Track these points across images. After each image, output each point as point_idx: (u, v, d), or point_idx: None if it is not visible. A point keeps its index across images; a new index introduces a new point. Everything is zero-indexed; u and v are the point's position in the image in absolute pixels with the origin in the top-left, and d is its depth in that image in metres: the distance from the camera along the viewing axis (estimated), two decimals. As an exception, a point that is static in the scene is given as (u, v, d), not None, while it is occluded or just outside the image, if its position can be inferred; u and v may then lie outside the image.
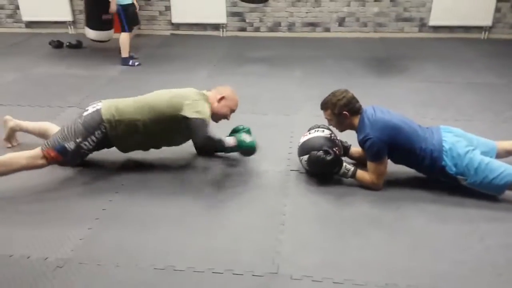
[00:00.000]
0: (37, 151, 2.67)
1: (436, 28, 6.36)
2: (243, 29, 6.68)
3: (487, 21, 6.20)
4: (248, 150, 2.88)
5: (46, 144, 2.69)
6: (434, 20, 6.29)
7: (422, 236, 2.33)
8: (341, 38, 6.44)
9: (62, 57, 5.63)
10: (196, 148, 3.10)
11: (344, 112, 2.67)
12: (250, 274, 2.06)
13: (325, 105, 2.75)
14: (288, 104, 4.09)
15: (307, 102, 4.07)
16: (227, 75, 4.90)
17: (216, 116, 2.89)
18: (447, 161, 2.55)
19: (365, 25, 6.48)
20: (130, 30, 5.21)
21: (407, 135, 2.61)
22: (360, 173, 2.69)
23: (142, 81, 4.69)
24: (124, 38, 5.17)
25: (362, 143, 2.65)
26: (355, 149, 2.96)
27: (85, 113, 2.74)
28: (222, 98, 2.86)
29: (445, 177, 2.61)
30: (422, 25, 6.39)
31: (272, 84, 4.62)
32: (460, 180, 2.56)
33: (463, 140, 2.63)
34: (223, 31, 6.68)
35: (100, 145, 2.80)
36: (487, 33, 6.29)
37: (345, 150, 2.97)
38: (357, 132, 2.71)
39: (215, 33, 6.71)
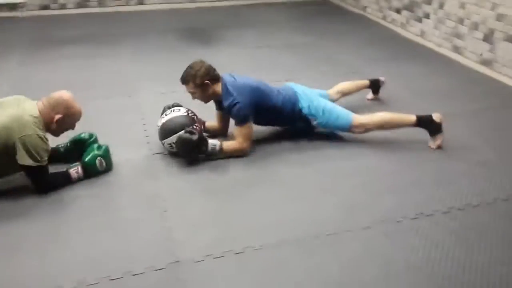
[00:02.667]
0: None
1: (245, -5, 6.69)
2: (46, 7, 5.96)
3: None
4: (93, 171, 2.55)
5: None
6: (242, -13, 6.60)
7: (293, 185, 2.55)
8: (157, 10, 6.29)
9: None
10: None
11: (206, 81, 2.69)
12: (152, 270, 1.97)
13: (185, 79, 2.73)
14: (127, 84, 3.88)
15: (145, 81, 3.94)
16: (44, 62, 4.36)
17: (58, 133, 2.48)
18: (302, 103, 2.87)
19: (177, -5, 6.43)
20: None
21: (267, 94, 2.80)
22: (226, 144, 2.75)
23: None
24: None
25: (229, 108, 2.72)
26: (209, 123, 3.00)
27: None
28: (58, 121, 2.36)
29: (301, 119, 2.90)
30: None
31: (102, 65, 4.30)
32: (311, 120, 2.90)
33: (308, 90, 3.01)
34: (21, 11, 5.84)
35: None
36: (288, -4, 6.90)
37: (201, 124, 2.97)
38: (221, 99, 2.76)
39: (12, 13, 5.83)
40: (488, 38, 4.14)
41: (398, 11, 5.43)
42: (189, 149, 2.63)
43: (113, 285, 1.89)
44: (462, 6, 4.41)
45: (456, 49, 4.56)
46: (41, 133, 2.31)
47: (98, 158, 2.54)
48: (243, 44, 4.96)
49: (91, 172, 2.53)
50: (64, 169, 2.50)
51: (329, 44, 4.97)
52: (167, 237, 2.17)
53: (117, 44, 4.87)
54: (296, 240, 2.15)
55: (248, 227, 2.24)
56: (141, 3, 6.30)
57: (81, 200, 2.41)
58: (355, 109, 3.07)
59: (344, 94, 3.33)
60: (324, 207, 2.38)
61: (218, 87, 2.75)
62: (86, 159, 2.51)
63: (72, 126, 2.49)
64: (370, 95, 3.60)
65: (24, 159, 2.26)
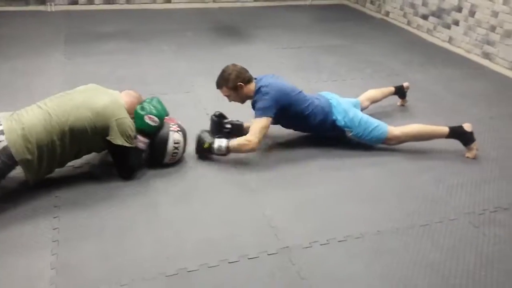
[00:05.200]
0: None
1: (268, -3, 6.80)
2: (74, 2, 5.94)
3: (310, -11, 6.92)
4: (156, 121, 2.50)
5: None
6: (266, -11, 6.71)
7: (372, 183, 2.66)
8: (183, 8, 6.33)
9: None
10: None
11: (239, 83, 2.76)
12: (266, 254, 2.06)
13: (219, 84, 2.82)
14: (180, 80, 3.94)
15: (198, 77, 4.00)
16: (89, 55, 4.38)
17: None
18: (337, 115, 2.90)
19: (204, -5, 6.50)
20: None
21: (295, 99, 2.79)
22: (233, 142, 2.70)
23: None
24: None
25: (255, 102, 2.77)
26: (248, 124, 2.90)
27: None
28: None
29: (335, 130, 2.93)
30: (256, -6, 6.74)
31: (147, 61, 4.34)
32: (347, 132, 2.93)
33: (342, 100, 3.02)
34: (50, 5, 5.82)
35: None
36: (309, 0, 7.03)
37: (238, 127, 2.95)
38: (253, 98, 2.81)
39: (40, 7, 5.80)
40: (521, 45, 4.35)
41: (424, 17, 5.61)
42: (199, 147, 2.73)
43: (232, 267, 1.98)
44: (495, 14, 4.60)
45: (486, 55, 4.75)
46: (130, 119, 2.42)
47: (146, 116, 2.47)
48: (281, 44, 5.06)
49: (150, 132, 2.50)
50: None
51: (363, 47, 5.11)
52: (268, 224, 2.25)
53: (156, 40, 4.92)
54: (393, 229, 2.26)
55: (341, 218, 2.34)
56: (168, 1, 6.34)
57: (169, 186, 2.50)
58: (394, 114, 3.20)
59: (373, 101, 3.35)
60: (408, 202, 2.50)
61: (251, 87, 2.81)
62: (137, 125, 2.47)
63: None
64: (399, 101, 3.67)
65: (119, 140, 2.35)
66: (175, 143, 2.56)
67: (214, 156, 2.77)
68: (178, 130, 2.60)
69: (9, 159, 2.15)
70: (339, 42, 5.26)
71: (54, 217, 2.23)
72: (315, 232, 2.22)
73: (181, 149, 2.62)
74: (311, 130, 3.00)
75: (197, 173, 2.65)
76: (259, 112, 2.72)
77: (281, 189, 2.55)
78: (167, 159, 2.61)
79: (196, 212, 2.33)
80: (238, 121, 2.97)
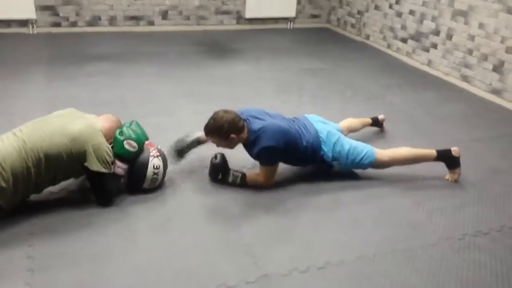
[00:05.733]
0: None
1: (251, 20, 6.88)
2: (57, 24, 5.94)
3: (292, 13, 7.03)
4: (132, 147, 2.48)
5: None
6: (249, 12, 6.79)
7: (353, 210, 2.67)
8: (167, 31, 6.39)
9: None
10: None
11: (232, 135, 2.61)
12: (244, 283, 2.03)
13: (209, 132, 2.65)
14: (162, 103, 3.93)
15: (179, 99, 4.01)
16: (71, 77, 4.37)
17: None
18: (325, 150, 2.84)
19: (188, 18, 6.55)
20: None
21: (294, 136, 2.73)
22: (249, 175, 2.74)
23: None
24: None
25: (257, 155, 2.68)
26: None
27: None
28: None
29: (322, 164, 2.89)
30: (239, 17, 6.82)
31: (129, 83, 4.34)
32: (335, 164, 2.90)
33: (330, 127, 2.96)
34: (32, 27, 5.81)
35: None
36: (292, 23, 7.14)
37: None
38: (247, 146, 2.73)
39: (23, 30, 5.79)
40: (497, 68, 4.45)
41: (404, 40, 5.73)
42: (209, 170, 2.76)
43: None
44: (471, 38, 4.73)
45: (465, 78, 4.86)
46: (107, 144, 2.41)
47: (124, 142, 2.44)
48: (263, 66, 5.11)
49: (129, 157, 2.48)
50: None
51: (344, 70, 5.18)
52: (248, 252, 2.23)
53: (138, 63, 4.93)
54: (372, 255, 2.26)
55: (321, 244, 2.33)
56: (151, 24, 6.37)
57: (148, 213, 2.46)
58: (374, 138, 3.24)
59: (351, 131, 3.30)
60: (388, 227, 2.51)
61: (245, 134, 2.67)
62: (115, 150, 2.45)
63: None
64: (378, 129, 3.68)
65: (95, 165, 2.33)
66: (154, 168, 2.54)
67: (195, 182, 2.76)
68: (158, 155, 2.59)
69: None
70: (321, 64, 5.34)
71: (29, 246, 2.18)
72: (294, 259, 2.21)
73: (160, 174, 2.60)
74: (298, 164, 2.94)
75: (176, 199, 2.62)
76: (267, 163, 2.70)
77: (261, 215, 2.53)
78: (146, 185, 2.58)
79: (175, 239, 2.29)
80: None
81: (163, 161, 2.61)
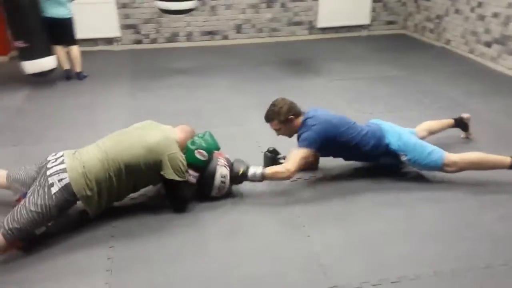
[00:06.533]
0: None
1: (324, 30, 6.85)
2: (138, 42, 6.33)
3: (366, 20, 6.90)
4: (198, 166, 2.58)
5: (7, 226, 2.16)
6: (321, 22, 6.77)
7: (429, 220, 2.53)
8: (241, 44, 6.54)
9: None
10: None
11: (290, 116, 2.76)
12: (312, 293, 2.00)
13: (270, 117, 2.81)
14: (234, 114, 4.02)
15: (251, 110, 4.07)
16: (150, 90, 4.62)
17: None
18: (390, 139, 2.80)
19: (261, 30, 6.66)
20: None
21: (345, 129, 2.75)
22: (268, 169, 2.66)
23: (56, 107, 4.16)
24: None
25: (300, 135, 2.75)
26: None
27: (54, 190, 2.25)
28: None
29: (388, 155, 2.82)
30: (311, 27, 6.82)
31: (204, 95, 4.49)
32: (401, 156, 2.79)
33: (395, 126, 2.93)
34: (117, 44, 6.24)
35: None
36: (366, 30, 7.00)
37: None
38: (299, 131, 2.78)
39: (108, 47, 6.24)
40: None
41: (488, 44, 5.38)
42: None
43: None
44: None
45: (559, 83, 4.45)
46: (182, 153, 2.51)
47: (195, 151, 2.54)
48: (335, 76, 5.05)
49: (199, 166, 2.56)
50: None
51: (422, 77, 4.97)
52: (316, 262, 2.20)
53: (213, 75, 5.09)
54: (451, 270, 2.13)
55: (394, 257, 2.24)
56: (226, 38, 6.57)
57: (217, 220, 2.52)
58: (454, 146, 3.07)
59: (431, 132, 3.19)
60: (467, 241, 2.35)
61: (300, 121, 2.80)
62: (187, 159, 2.53)
63: None
64: (462, 134, 3.47)
65: (170, 174, 2.44)
66: (222, 177, 2.60)
67: (262, 189, 2.77)
68: (225, 165, 2.65)
69: (70, 195, 2.29)
70: (396, 72, 5.16)
71: (110, 247, 2.32)
72: (365, 271, 2.14)
73: (228, 182, 2.65)
74: (363, 158, 2.93)
75: (245, 207, 2.65)
76: (303, 143, 2.70)
77: (331, 225, 2.49)
78: (214, 192, 2.65)
79: (243, 247, 2.32)
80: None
81: (230, 170, 2.66)
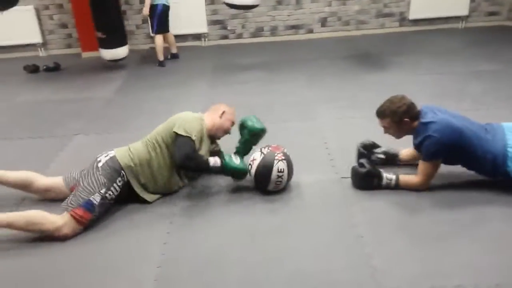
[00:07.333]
0: (58, 217, 2.38)
1: (416, 21, 6.48)
2: (225, 37, 6.53)
3: (464, 11, 6.38)
4: (235, 173, 2.66)
5: (68, 204, 2.43)
6: (414, 13, 6.41)
7: (500, 237, 2.28)
8: (325, 38, 6.45)
9: (42, 82, 5.25)
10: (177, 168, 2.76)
11: (405, 119, 2.54)
12: (358, 295, 1.93)
13: (383, 113, 2.60)
14: (306, 108, 3.98)
15: (324, 105, 4.00)
16: (228, 84, 4.75)
17: (220, 131, 2.86)
18: (510, 164, 2.44)
19: (347, 23, 6.50)
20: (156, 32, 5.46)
21: (468, 139, 2.48)
22: (403, 178, 2.62)
23: (141, 99, 4.46)
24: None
25: (420, 143, 2.55)
26: (405, 151, 2.87)
27: (100, 164, 2.57)
28: (223, 113, 2.85)
29: (507, 179, 2.50)
30: (402, 19, 6.49)
31: (279, 89, 4.51)
32: None
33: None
34: (204, 40, 6.50)
35: (121, 193, 2.60)
36: (464, 22, 6.48)
37: (393, 157, 2.89)
38: (414, 135, 2.61)
39: (196, 43, 6.51)
40: None
41: None
42: (357, 180, 2.67)
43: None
44: None
45: None
46: (200, 123, 2.72)
47: (234, 155, 2.69)
48: (422, 71, 4.76)
49: (226, 164, 2.61)
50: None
51: (521, 72, 4.50)
52: (366, 264, 2.11)
53: (291, 70, 5.08)
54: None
55: (452, 264, 2.07)
56: (311, 32, 6.51)
57: (270, 213, 2.52)
58: None
59: None
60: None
61: (415, 124, 2.57)
62: (226, 159, 2.63)
63: (229, 129, 2.86)
64: None
65: (177, 128, 2.62)
66: (279, 171, 2.60)
67: (320, 188, 2.73)
68: (283, 159, 2.63)
69: (116, 165, 2.56)
70: (490, 67, 4.72)
71: (167, 232, 2.44)
72: (417, 277, 2.00)
73: (285, 177, 2.64)
74: (479, 173, 2.63)
75: (300, 203, 2.62)
76: (427, 155, 2.53)
77: (386, 228, 2.37)
78: (271, 187, 2.65)
79: (292, 242, 2.30)
80: (392, 149, 2.87)
81: (288, 165, 2.64)
